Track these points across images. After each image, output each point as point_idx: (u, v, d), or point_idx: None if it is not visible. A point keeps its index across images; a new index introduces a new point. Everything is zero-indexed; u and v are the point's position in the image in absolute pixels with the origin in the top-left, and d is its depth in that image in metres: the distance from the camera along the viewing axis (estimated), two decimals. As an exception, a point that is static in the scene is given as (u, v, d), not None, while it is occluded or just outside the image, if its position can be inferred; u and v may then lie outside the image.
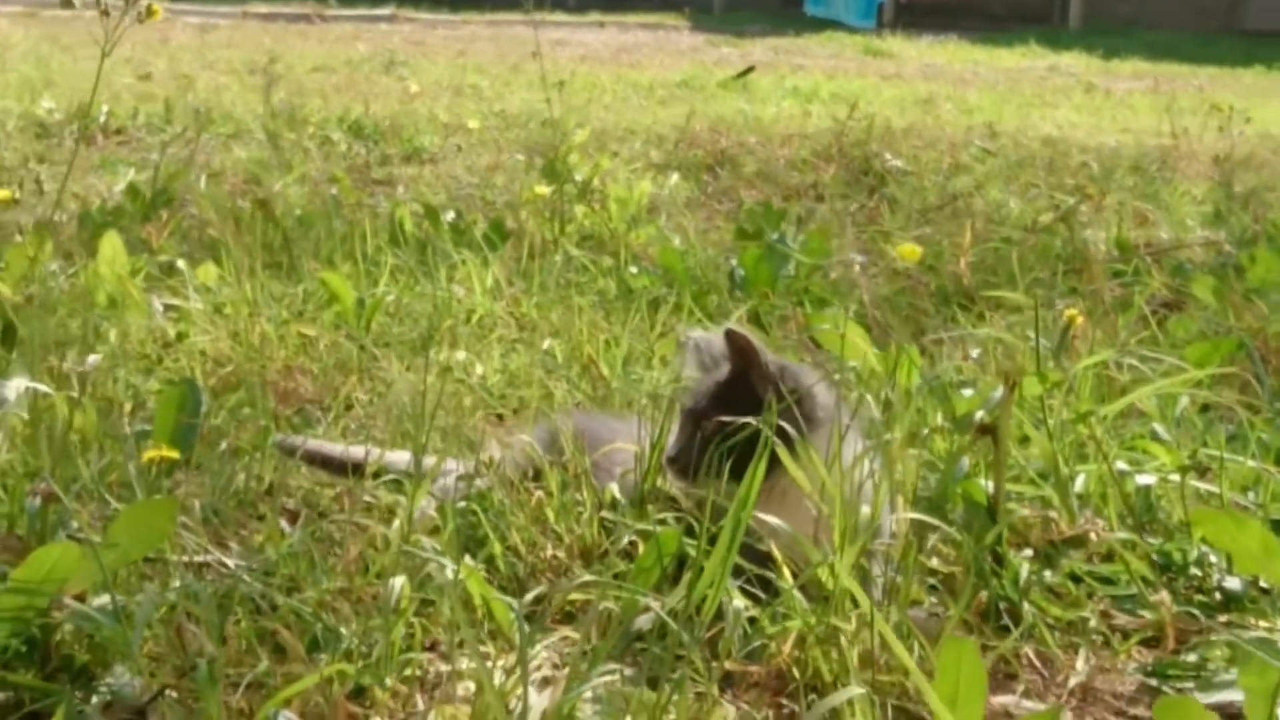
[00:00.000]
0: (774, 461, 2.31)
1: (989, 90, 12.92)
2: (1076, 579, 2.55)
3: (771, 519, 2.23)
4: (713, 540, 2.26)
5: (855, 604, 2.21)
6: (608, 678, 1.93)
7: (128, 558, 2.10)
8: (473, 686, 2.08)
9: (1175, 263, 4.74)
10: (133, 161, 6.34)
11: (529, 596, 2.22)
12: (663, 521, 2.41)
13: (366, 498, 2.69)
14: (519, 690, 1.95)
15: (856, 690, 1.70)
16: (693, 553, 2.24)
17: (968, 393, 2.79)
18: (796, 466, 2.31)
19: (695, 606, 2.03)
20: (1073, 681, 2.30)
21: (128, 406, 2.97)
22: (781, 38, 18.75)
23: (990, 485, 2.55)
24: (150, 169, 5.50)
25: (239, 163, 6.38)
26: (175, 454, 2.42)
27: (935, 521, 2.36)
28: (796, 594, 2.20)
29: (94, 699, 2.01)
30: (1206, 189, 6.48)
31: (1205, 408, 3.25)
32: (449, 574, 2.17)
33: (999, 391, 2.57)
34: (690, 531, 2.31)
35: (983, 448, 2.67)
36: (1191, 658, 2.33)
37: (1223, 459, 2.65)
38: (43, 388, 2.40)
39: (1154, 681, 2.29)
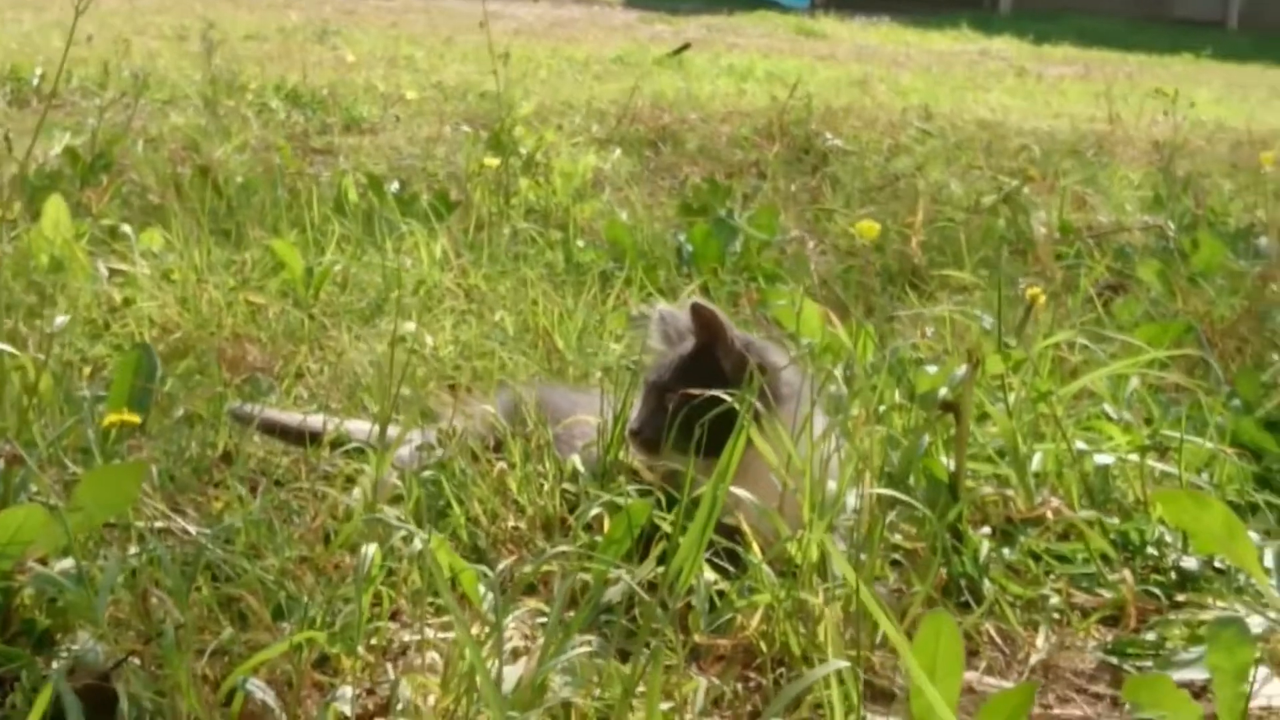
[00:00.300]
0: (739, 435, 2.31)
1: (922, 73, 12.98)
2: (1035, 557, 2.57)
3: (741, 492, 2.22)
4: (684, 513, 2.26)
5: (823, 578, 2.21)
6: (583, 649, 1.92)
7: (92, 522, 2.08)
8: (439, 656, 2.07)
9: (1117, 246, 4.77)
10: (68, 125, 6.24)
11: (502, 565, 2.21)
12: (628, 494, 2.40)
13: (324, 467, 2.67)
14: (492, 661, 1.94)
15: (841, 663, 1.70)
16: (661, 525, 2.24)
17: (931, 369, 2.80)
18: (763, 440, 2.31)
19: (671, 580, 2.03)
20: (1034, 659, 2.30)
21: (86, 370, 2.93)
22: (715, 16, 18.74)
23: (951, 463, 2.56)
24: (86, 134, 5.43)
25: (177, 129, 6.31)
26: (136, 419, 2.39)
27: (904, 498, 2.36)
28: (765, 568, 2.20)
29: (54, 664, 1.98)
30: (1143, 174, 6.53)
31: (1155, 389, 3.27)
32: (418, 543, 2.15)
33: (962, 369, 2.58)
34: (656, 504, 2.31)
35: (941, 425, 2.67)
36: (1150, 636, 2.35)
37: (1182, 440, 2.67)
38: (8, 348, 2.36)
39: (1114, 659, 2.30)
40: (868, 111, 8.36)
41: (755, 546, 2.22)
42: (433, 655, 2.09)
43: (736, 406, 2.31)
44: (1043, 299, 2.99)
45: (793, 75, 11.27)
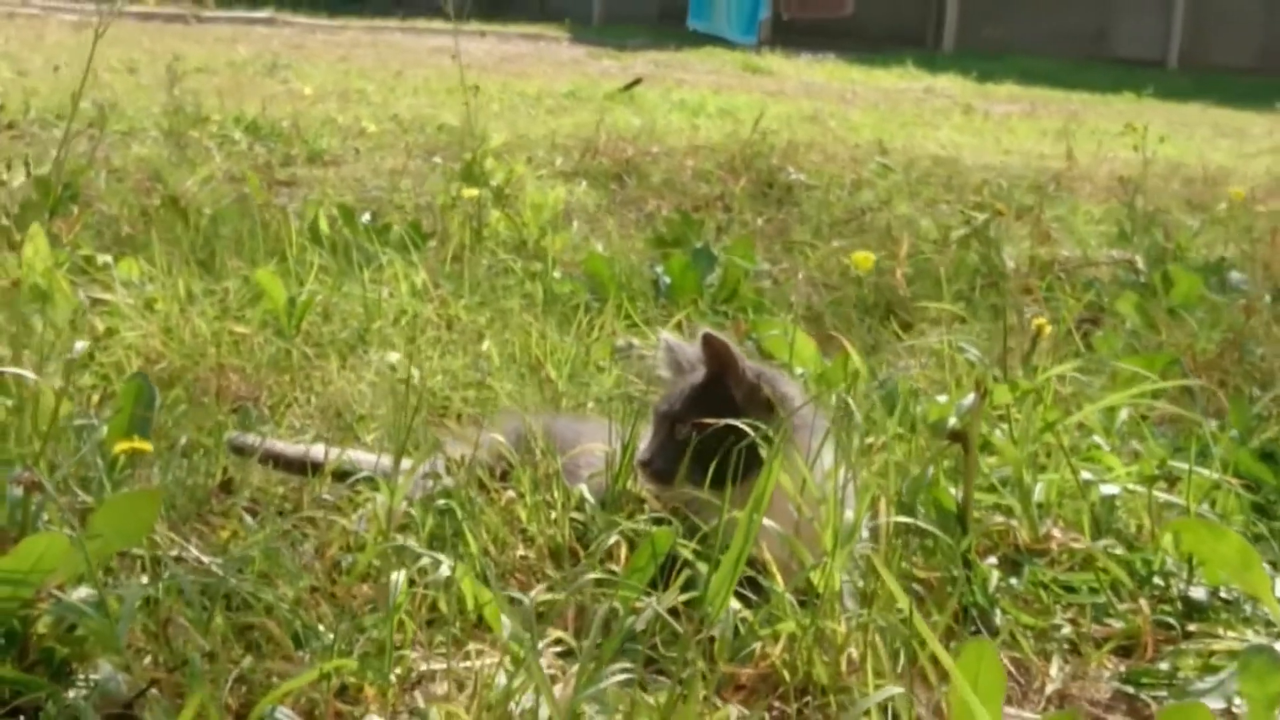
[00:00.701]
0: (753, 464, 2.31)
1: (871, 109, 13.03)
2: (1042, 586, 2.57)
3: (766, 521, 2.22)
4: (702, 540, 2.25)
5: (845, 607, 2.21)
6: (619, 677, 1.91)
7: (109, 549, 2.05)
8: (455, 686, 2.05)
9: (1086, 280, 4.80)
10: (28, 156, 6.18)
11: (533, 593, 2.19)
12: (643, 523, 2.39)
13: (325, 496, 2.65)
14: (524, 690, 1.92)
15: (896, 689, 1.69)
16: (681, 553, 2.23)
17: (941, 399, 2.80)
18: (781, 471, 2.30)
19: (704, 609, 2.01)
20: (1049, 689, 2.31)
21: (94, 399, 2.89)
22: (662, 52, 18.78)
23: (958, 492, 2.56)
24: (47, 164, 5.37)
25: (139, 160, 6.27)
26: (148, 446, 2.36)
27: (925, 525, 2.36)
28: (788, 597, 2.19)
29: (70, 694, 1.95)
30: (1104, 210, 6.58)
31: (1144, 420, 3.29)
32: (444, 570, 2.13)
33: (969, 399, 2.58)
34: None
35: (947, 455, 2.68)
36: (1164, 666, 2.35)
37: (1191, 471, 2.68)
38: (30, 374, 2.33)
39: (1130, 689, 2.31)
40: (828, 146, 8.38)
41: (777, 575, 2.21)
42: (445, 685, 2.07)
43: (751, 436, 2.31)
44: (1048, 328, 3.00)
45: (744, 111, 11.33)
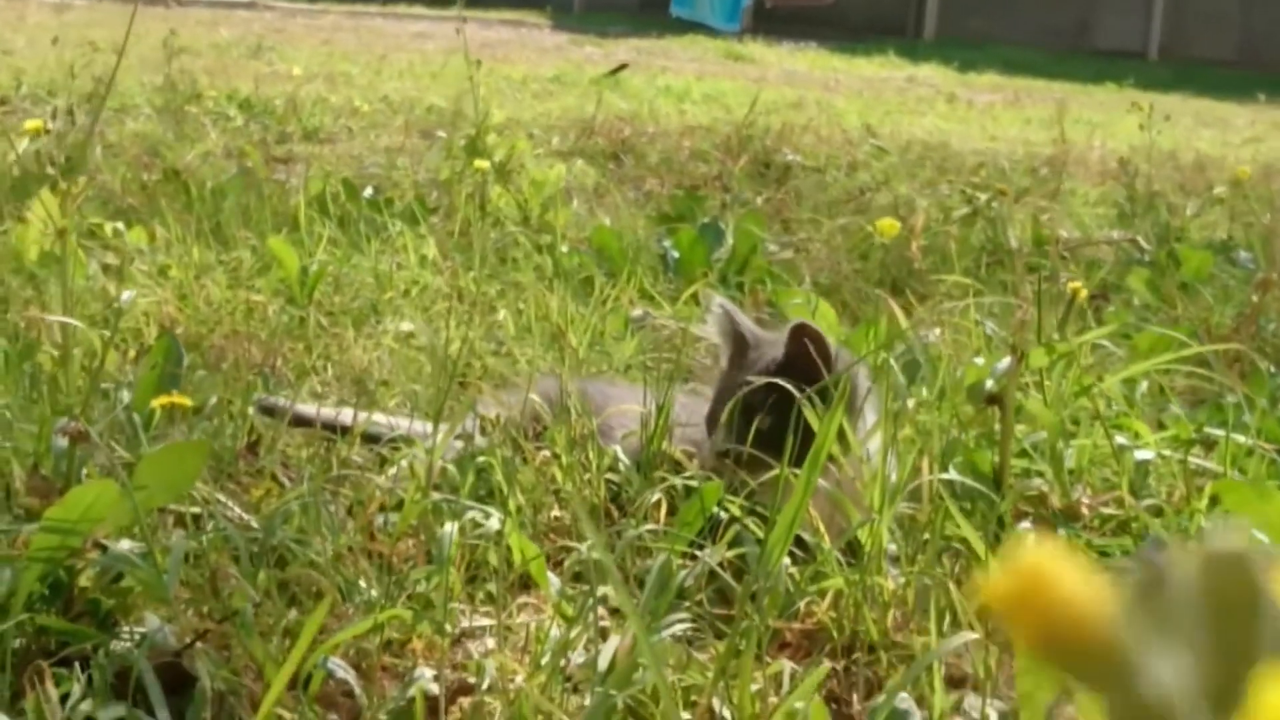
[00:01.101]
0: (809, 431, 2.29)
1: (855, 97, 13.03)
2: (1078, 550, 2.56)
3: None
4: (748, 497, 2.24)
5: (894, 563, 2.20)
6: (678, 627, 1.90)
7: (155, 501, 2.03)
8: (509, 641, 2.04)
9: (1089, 259, 4.81)
10: (23, 131, 6.14)
11: (586, 545, 2.18)
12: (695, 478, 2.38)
13: (356, 457, 2.64)
14: (577, 643, 1.91)
15: (972, 635, 1.68)
16: (730, 509, 2.22)
17: (978, 361, 2.79)
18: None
19: (761, 563, 2.00)
20: (1091, 649, 2.29)
21: (130, 353, 2.87)
22: (644, 39, 18.76)
23: (994, 456, 2.56)
24: (43, 140, 5.34)
25: (136, 136, 6.23)
26: (187, 401, 2.34)
27: (971, 482, 2.35)
28: (835, 553, 2.18)
29: (114, 645, 1.92)
30: (1099, 192, 6.59)
31: (1164, 392, 3.29)
32: (494, 524, 2.12)
33: (1005, 362, 2.57)
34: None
35: (979, 419, 2.67)
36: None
37: (1228, 435, 2.68)
38: (76, 322, 2.30)
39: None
40: (820, 129, 8.38)
41: (824, 532, 2.20)
42: (492, 640, 2.06)
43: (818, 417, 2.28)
44: (1083, 292, 3.00)
45: (729, 97, 11.32)
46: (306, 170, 5.41)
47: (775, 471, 2.14)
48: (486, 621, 2.15)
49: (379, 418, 2.75)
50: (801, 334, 2.42)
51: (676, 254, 4.42)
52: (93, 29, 12.91)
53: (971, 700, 1.86)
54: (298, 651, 1.76)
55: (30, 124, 4.16)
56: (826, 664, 1.65)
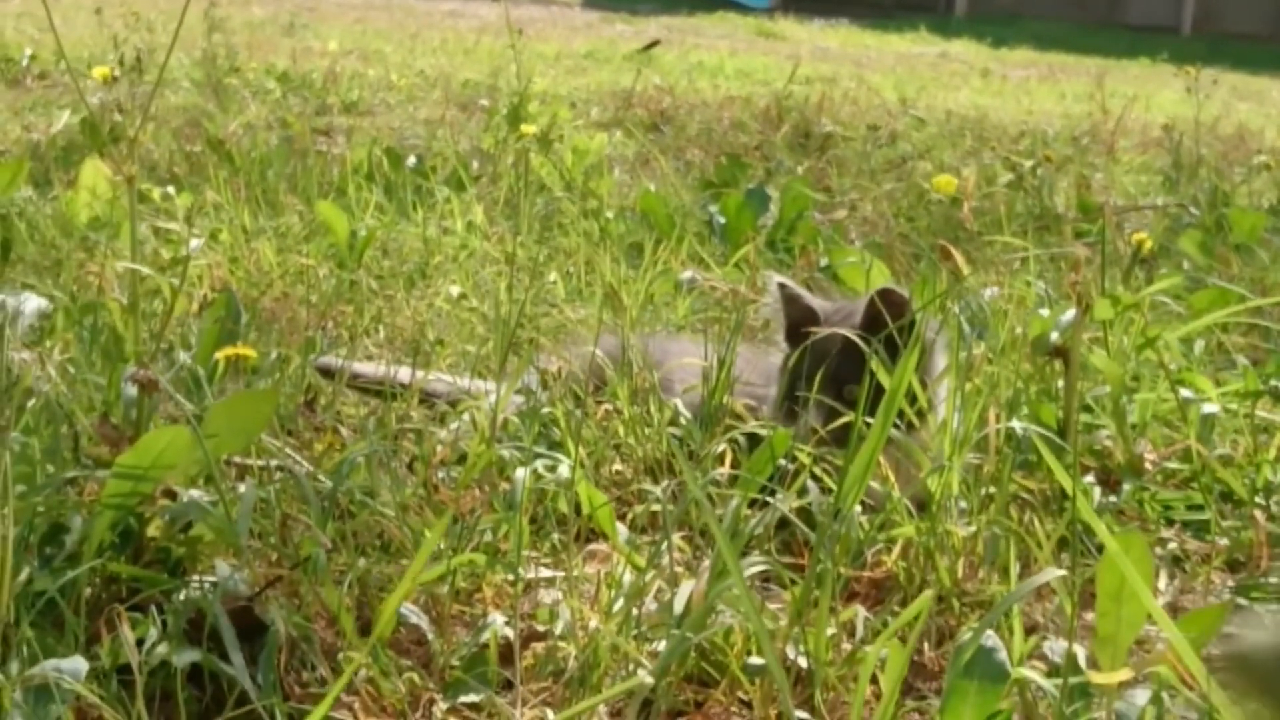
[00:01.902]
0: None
1: (888, 73, 12.97)
2: (1142, 505, 2.55)
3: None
4: (818, 445, 2.22)
5: (962, 513, 2.19)
6: (756, 568, 1.89)
7: (224, 449, 2.02)
8: (578, 589, 2.03)
9: (1137, 224, 4.78)
10: (65, 104, 6.17)
11: (663, 485, 2.17)
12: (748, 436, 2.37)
13: (413, 414, 2.63)
14: (650, 589, 1.90)
15: (1057, 571, 1.66)
16: (799, 458, 2.20)
17: (1043, 313, 2.77)
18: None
19: (835, 508, 1.99)
20: (1160, 601, 2.28)
21: (194, 306, 2.87)
22: (674, 17, 18.73)
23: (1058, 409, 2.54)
24: (84, 111, 5.35)
25: (177, 108, 6.24)
26: (252, 353, 2.33)
27: (1040, 430, 2.33)
28: (905, 502, 2.17)
29: (186, 593, 1.91)
30: (1143, 160, 6.55)
31: (1220, 347, 3.27)
32: (564, 472, 2.11)
33: (1069, 313, 2.55)
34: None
35: (1040, 372, 2.66)
36: (1273, 579, 2.33)
37: (1294, 385, 2.66)
38: (145, 269, 2.30)
39: (1242, 601, 2.28)
40: (860, 100, 8.34)
41: (894, 480, 2.19)
42: (564, 589, 2.04)
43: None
44: (1148, 243, 2.97)
45: (761, 73, 11.28)
46: (349, 140, 5.40)
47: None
48: (552, 573, 2.14)
49: (436, 376, 2.74)
50: (885, 299, 2.39)
51: (723, 219, 4.41)
52: (124, 6, 12.95)
53: (1052, 644, 1.84)
54: (394, 597, 1.76)
55: (99, 70, 4.15)
56: (927, 595, 1.62)
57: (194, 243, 2.25)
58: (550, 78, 9.69)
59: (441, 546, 2.08)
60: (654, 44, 12.53)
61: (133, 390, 1.99)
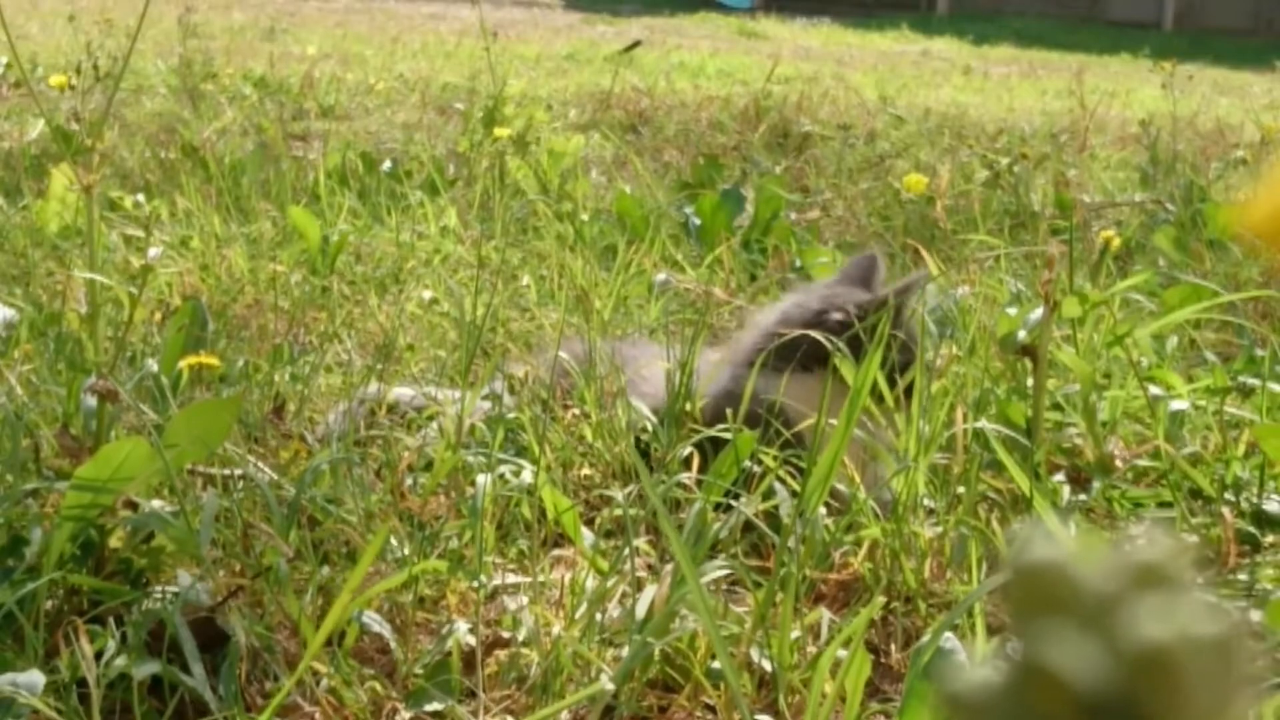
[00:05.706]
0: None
1: (870, 71, 12.98)
2: (1112, 502, 2.54)
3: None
4: (782, 449, 2.22)
5: (931, 513, 2.18)
6: (718, 573, 1.88)
7: (185, 459, 2.01)
8: (543, 594, 2.02)
9: (1113, 220, 4.78)
10: (38, 112, 6.14)
11: (628, 489, 2.17)
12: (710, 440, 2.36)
13: (384, 421, 2.62)
14: (614, 594, 1.90)
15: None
16: (764, 460, 2.20)
17: (1011, 311, 2.77)
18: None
19: (798, 511, 1.98)
20: (1130, 598, 2.27)
21: (156, 316, 2.86)
22: (656, 17, 18.74)
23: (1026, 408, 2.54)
24: (59, 119, 5.33)
25: (152, 114, 6.22)
26: (216, 361, 2.32)
27: (1006, 430, 2.33)
28: (870, 503, 2.16)
29: (147, 604, 1.91)
30: (1120, 157, 6.55)
31: (1191, 345, 3.27)
32: (527, 477, 2.10)
33: (1037, 312, 2.55)
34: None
35: (1009, 371, 2.65)
36: (1243, 577, 2.33)
37: (1265, 382, 2.65)
38: (104, 279, 2.29)
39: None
40: (838, 99, 8.34)
41: (859, 481, 2.18)
42: (528, 595, 2.04)
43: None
44: (1115, 241, 2.97)
45: (742, 73, 11.28)
46: (325, 145, 5.39)
47: (812, 420, 2.12)
48: (518, 579, 2.13)
49: (397, 391, 2.73)
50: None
51: (698, 220, 4.40)
52: (103, 12, 12.93)
53: (1014, 644, 1.83)
54: (340, 603, 1.74)
55: (55, 79, 4.13)
56: (878, 600, 1.61)
57: (153, 251, 2.24)
58: (529, 79, 9.69)
59: (405, 553, 2.07)
60: (635, 45, 12.53)
61: (92, 401, 1.98)
